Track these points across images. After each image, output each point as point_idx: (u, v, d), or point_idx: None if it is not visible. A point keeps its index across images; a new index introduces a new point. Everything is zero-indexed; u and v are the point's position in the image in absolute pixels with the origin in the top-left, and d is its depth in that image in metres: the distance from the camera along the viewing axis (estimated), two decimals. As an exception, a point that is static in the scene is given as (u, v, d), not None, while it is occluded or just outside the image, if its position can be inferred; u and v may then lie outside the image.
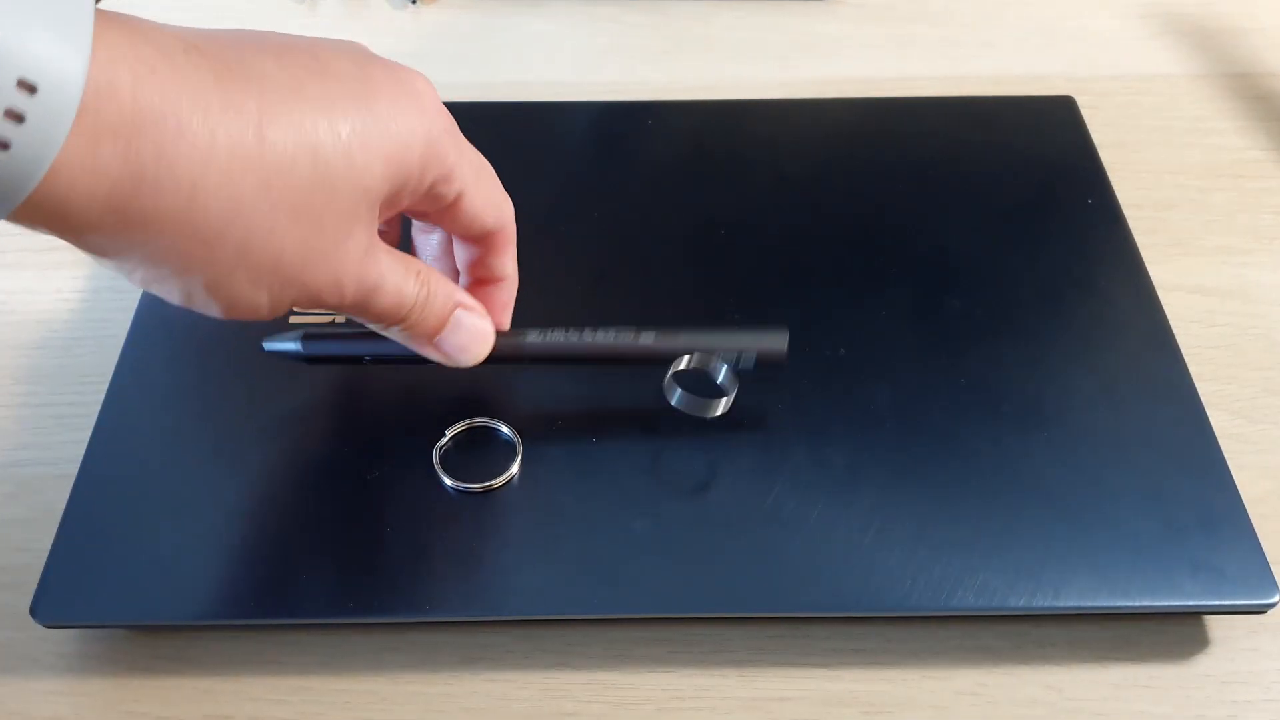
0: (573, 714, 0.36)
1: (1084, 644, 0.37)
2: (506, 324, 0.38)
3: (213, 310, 0.29)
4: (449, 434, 0.39)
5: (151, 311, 0.44)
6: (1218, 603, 0.35)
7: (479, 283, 0.38)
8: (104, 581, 0.36)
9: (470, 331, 0.35)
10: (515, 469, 0.38)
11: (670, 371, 0.36)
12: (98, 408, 0.40)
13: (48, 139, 0.23)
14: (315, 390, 0.41)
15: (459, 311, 0.34)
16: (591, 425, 0.40)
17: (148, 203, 0.25)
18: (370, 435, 0.40)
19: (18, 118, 0.23)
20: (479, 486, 0.38)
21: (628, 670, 0.36)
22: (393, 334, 0.34)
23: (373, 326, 0.34)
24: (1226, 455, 0.39)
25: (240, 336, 0.42)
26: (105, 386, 0.41)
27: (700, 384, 0.37)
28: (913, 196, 0.48)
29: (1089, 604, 0.35)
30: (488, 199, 0.34)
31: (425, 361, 0.36)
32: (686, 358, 0.36)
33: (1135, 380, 0.41)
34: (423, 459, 0.38)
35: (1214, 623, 0.37)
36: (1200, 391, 0.41)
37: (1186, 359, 0.42)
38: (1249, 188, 0.52)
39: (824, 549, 0.36)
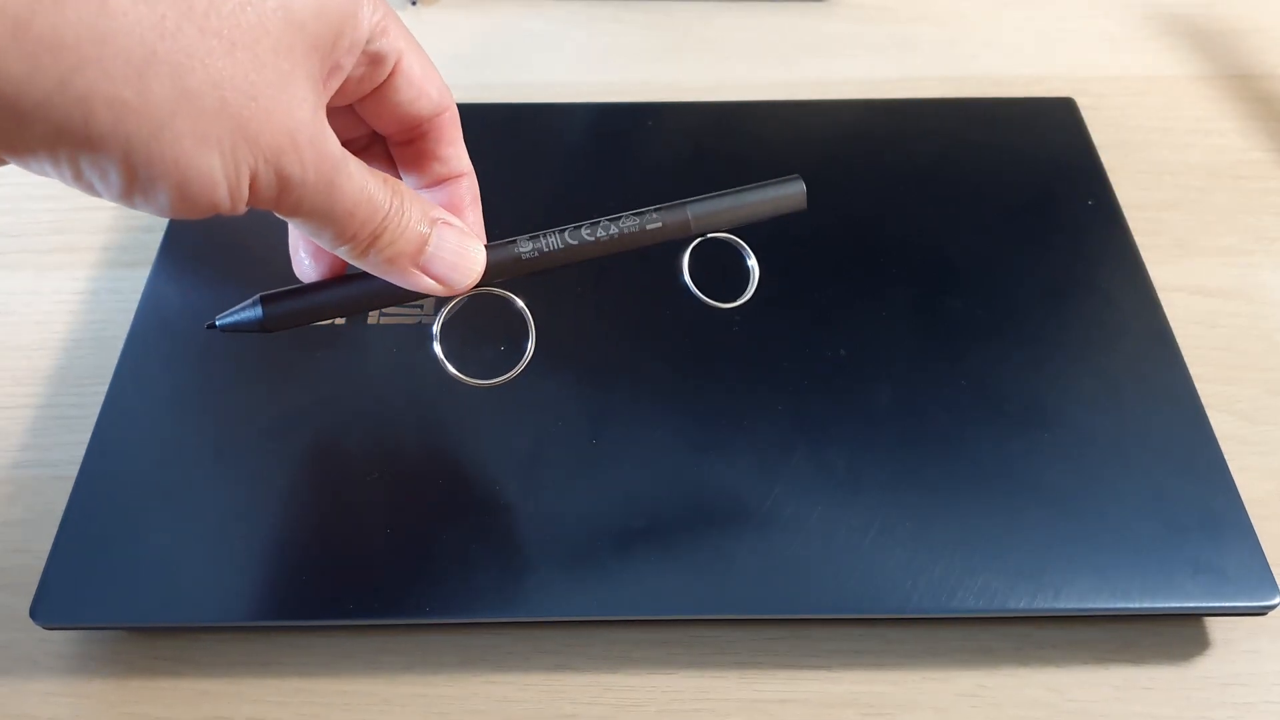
0: (573, 716, 0.36)
1: (1085, 645, 0.37)
2: (480, 223, 0.34)
3: (160, 193, 0.25)
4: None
5: (151, 313, 0.44)
6: (1218, 604, 0.35)
7: (435, 187, 0.34)
8: (103, 583, 0.36)
9: (458, 247, 0.31)
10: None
11: (686, 252, 0.33)
12: (97, 409, 0.40)
13: None
14: (314, 391, 0.41)
15: (440, 226, 0.31)
16: (592, 427, 0.40)
17: (49, 15, 0.22)
18: (369, 435, 0.40)
19: None
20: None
21: (628, 672, 0.36)
22: (369, 262, 0.30)
23: (344, 250, 0.30)
24: (1227, 456, 0.39)
25: (241, 335, 0.42)
26: (105, 388, 0.41)
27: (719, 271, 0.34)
28: (913, 197, 0.48)
29: (1090, 606, 0.35)
30: (427, 65, 0.31)
31: (410, 298, 0.32)
32: (701, 238, 0.33)
33: (1136, 381, 0.41)
34: (422, 460, 0.38)
35: (1215, 624, 0.37)
36: (1201, 393, 0.41)
37: (1187, 360, 0.42)
38: (1250, 189, 0.52)
39: (824, 550, 0.36)
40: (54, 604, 0.35)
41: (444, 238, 0.30)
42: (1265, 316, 0.46)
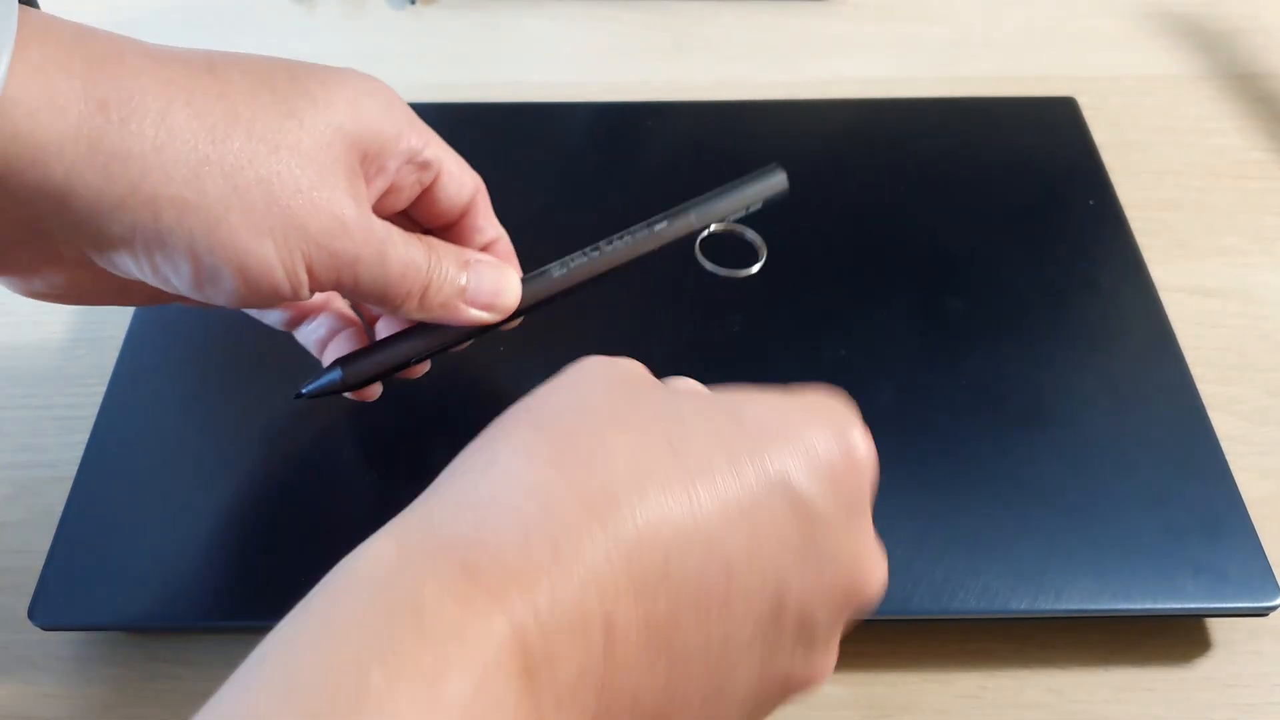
0: (573, 717, 0.35)
1: (1086, 647, 0.37)
2: (519, 272, 0.37)
3: (226, 280, 0.28)
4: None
5: (150, 313, 0.43)
6: (1219, 605, 0.35)
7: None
8: (102, 584, 0.36)
9: (495, 274, 0.34)
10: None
11: (697, 241, 0.37)
12: (96, 410, 0.40)
13: None
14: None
15: (474, 266, 0.34)
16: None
17: (116, 133, 0.26)
18: (368, 438, 0.40)
19: None
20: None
21: (628, 673, 0.36)
22: (424, 313, 0.33)
23: (399, 309, 0.33)
24: (1228, 457, 0.39)
25: (240, 336, 0.42)
26: (103, 388, 0.41)
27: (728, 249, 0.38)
28: (914, 197, 0.48)
29: (1091, 607, 0.35)
30: (461, 162, 0.35)
31: (469, 338, 0.35)
32: (706, 230, 0.37)
33: (1137, 382, 0.41)
34: (422, 459, 0.38)
35: (1216, 625, 0.37)
36: (1202, 393, 0.41)
37: (1188, 361, 0.42)
38: (1251, 188, 0.52)
39: (825, 551, 0.36)
40: (52, 605, 0.35)
41: (480, 274, 0.34)
42: (1265, 316, 0.46)
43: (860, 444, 0.25)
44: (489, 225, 0.37)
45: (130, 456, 0.39)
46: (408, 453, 0.39)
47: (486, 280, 0.34)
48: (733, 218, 0.37)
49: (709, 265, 0.37)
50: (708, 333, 0.43)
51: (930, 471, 0.38)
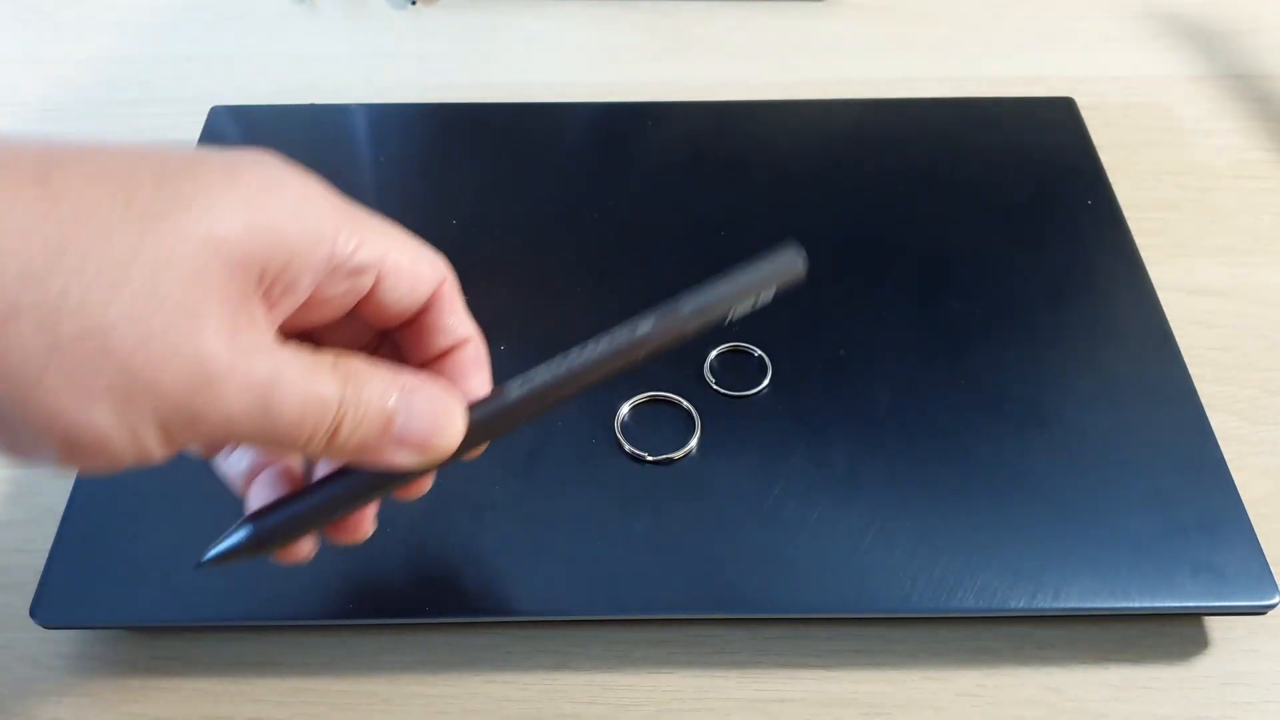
0: (573, 715, 0.36)
1: (1084, 645, 0.37)
2: (486, 386, 0.30)
3: (46, 451, 0.22)
4: None
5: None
6: (1218, 604, 0.35)
7: (439, 359, 0.30)
8: (103, 582, 0.36)
9: (430, 407, 0.27)
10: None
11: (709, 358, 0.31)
12: (97, 408, 0.40)
13: None
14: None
15: (408, 393, 0.27)
16: (593, 429, 0.40)
17: None
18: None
19: None
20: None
21: (628, 671, 0.36)
22: (336, 457, 0.26)
23: (302, 452, 0.26)
24: (1226, 456, 0.39)
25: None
26: (105, 387, 0.41)
27: None
28: (913, 197, 0.48)
29: (1089, 605, 0.35)
30: (413, 254, 0.28)
31: (396, 484, 0.28)
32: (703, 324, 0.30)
33: (1135, 381, 0.41)
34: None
35: (1214, 624, 0.37)
36: (1200, 393, 0.41)
37: (1186, 360, 0.42)
38: (1249, 189, 0.52)
39: (824, 549, 0.36)
40: (54, 603, 0.35)
41: (413, 406, 0.27)
42: (1265, 316, 0.46)
43: None
44: (456, 324, 0.30)
45: (131, 455, 0.39)
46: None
47: (420, 414, 0.27)
48: (738, 313, 0.30)
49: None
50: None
51: (929, 470, 0.38)
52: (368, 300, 0.27)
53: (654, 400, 0.40)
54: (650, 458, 0.39)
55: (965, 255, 0.46)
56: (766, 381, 0.41)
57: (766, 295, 0.30)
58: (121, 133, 0.55)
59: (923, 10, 0.62)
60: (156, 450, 0.23)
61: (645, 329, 0.29)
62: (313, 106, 0.53)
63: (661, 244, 0.46)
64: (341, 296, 0.27)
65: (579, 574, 0.36)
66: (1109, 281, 0.45)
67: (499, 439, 0.29)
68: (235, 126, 0.51)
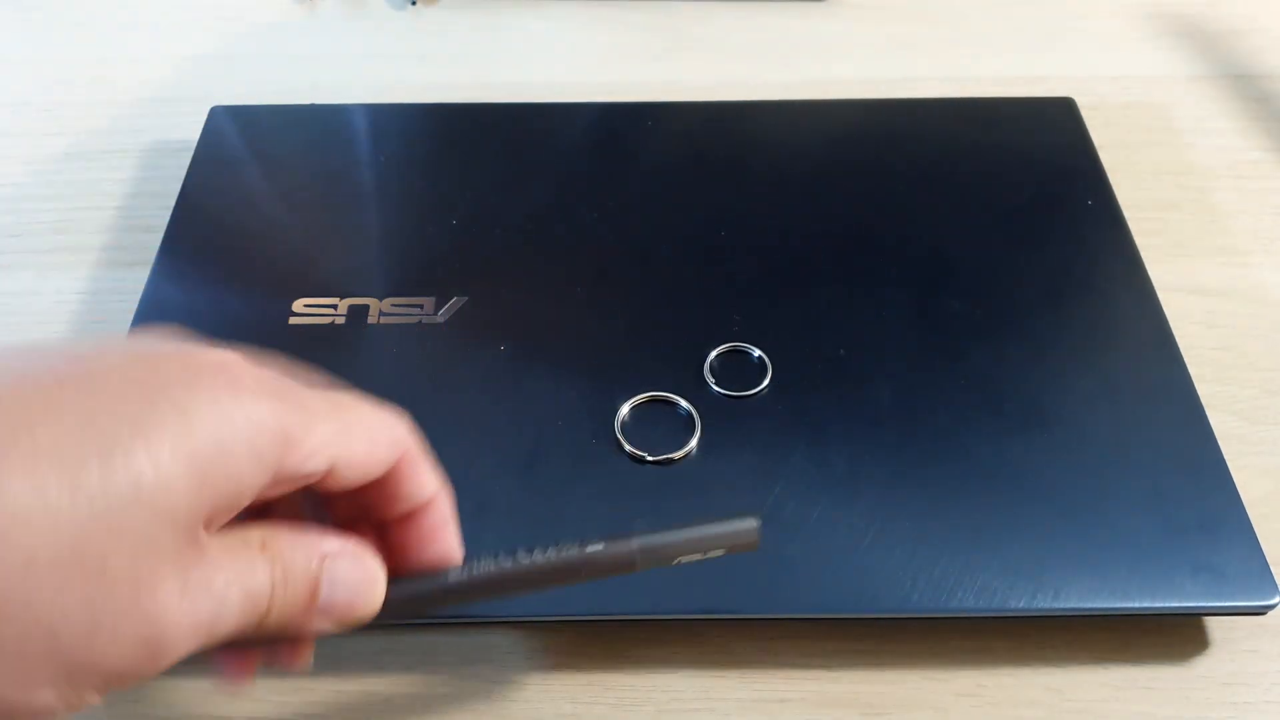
0: (573, 715, 0.36)
1: (1084, 645, 0.37)
2: (455, 549, 0.29)
3: None
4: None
5: (151, 313, 0.44)
6: (1218, 604, 0.35)
7: (402, 521, 0.29)
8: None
9: (350, 579, 0.26)
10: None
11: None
12: (97, 408, 0.40)
13: None
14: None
15: (329, 562, 0.26)
16: (594, 426, 0.40)
17: None
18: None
19: None
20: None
21: (628, 671, 0.36)
22: (259, 637, 0.25)
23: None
24: (1226, 456, 0.39)
25: (241, 337, 0.42)
26: (105, 387, 0.41)
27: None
28: (913, 197, 0.48)
29: (1089, 605, 0.35)
30: (370, 437, 0.26)
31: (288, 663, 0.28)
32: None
33: (1135, 381, 0.41)
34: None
35: (1214, 624, 0.37)
36: (1200, 392, 0.41)
37: (1186, 360, 0.42)
38: (1249, 189, 0.52)
39: (824, 550, 0.36)
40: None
41: (335, 574, 0.26)
42: (1265, 316, 0.46)
43: None
44: (416, 490, 0.28)
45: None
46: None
47: (343, 581, 0.26)
48: (685, 561, 0.30)
49: None
50: (708, 330, 0.43)
51: (929, 470, 0.38)
52: (320, 482, 0.26)
53: (654, 400, 0.40)
54: (650, 458, 0.39)
55: (965, 255, 0.46)
56: (766, 381, 0.41)
57: (716, 553, 0.30)
58: (121, 133, 0.55)
59: (923, 10, 0.62)
60: (99, 700, 0.23)
61: (593, 550, 0.29)
62: (313, 106, 0.53)
63: (661, 244, 0.46)
64: (291, 491, 0.26)
65: (579, 574, 0.36)
66: (1109, 281, 0.45)
67: (434, 610, 0.29)
68: (235, 126, 0.51)
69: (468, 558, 0.29)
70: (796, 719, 0.36)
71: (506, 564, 0.29)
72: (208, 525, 0.23)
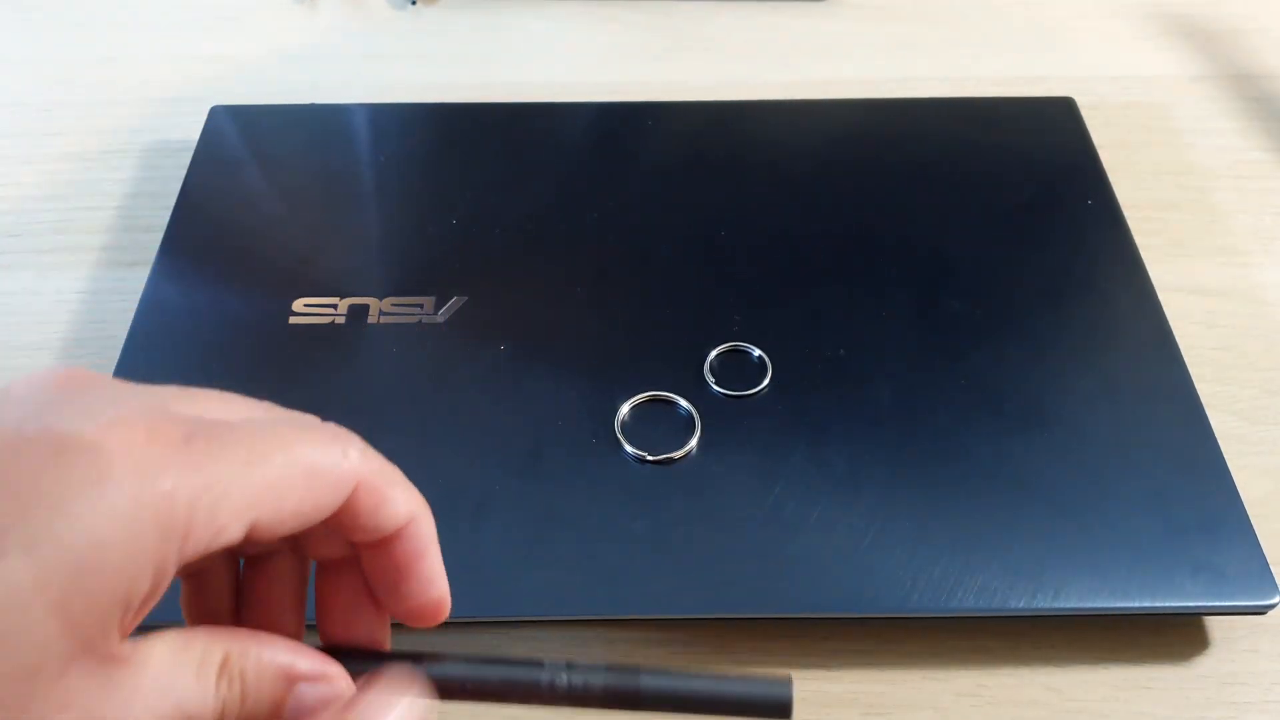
0: (572, 714, 0.35)
1: (1084, 645, 0.37)
2: (434, 581, 0.27)
3: None
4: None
5: (151, 313, 0.44)
6: (1218, 604, 0.35)
7: (375, 547, 0.26)
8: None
9: (318, 706, 0.23)
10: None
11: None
12: (98, 408, 0.40)
13: None
14: (313, 392, 0.41)
15: (297, 687, 0.23)
16: (594, 426, 0.40)
17: None
18: (369, 434, 0.40)
19: None
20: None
21: (628, 671, 0.36)
22: None
23: None
24: (1226, 456, 0.39)
25: (240, 338, 0.42)
26: (105, 387, 0.41)
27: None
28: (913, 197, 0.48)
29: (1089, 605, 0.35)
30: (304, 482, 0.23)
31: None
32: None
33: (1135, 381, 0.41)
34: (422, 459, 0.38)
35: (1214, 624, 0.37)
36: (1200, 392, 0.41)
37: (1186, 360, 0.42)
38: (1249, 188, 0.52)
39: (824, 550, 0.36)
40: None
41: (304, 699, 0.23)
42: (1265, 316, 0.46)
43: None
44: (394, 513, 0.25)
45: (132, 455, 0.39)
46: (409, 451, 0.39)
47: (311, 712, 0.23)
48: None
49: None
50: (708, 330, 0.43)
51: (929, 470, 0.38)
52: (246, 542, 0.23)
53: (654, 400, 0.40)
54: (650, 458, 0.39)
55: (965, 255, 0.46)
56: (766, 381, 0.41)
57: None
58: (121, 132, 0.55)
59: (923, 10, 0.62)
60: None
61: (596, 678, 0.26)
62: (313, 106, 0.53)
63: (661, 244, 0.46)
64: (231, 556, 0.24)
65: (579, 574, 0.36)
66: (1109, 281, 0.45)
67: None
68: (235, 126, 0.51)
69: (497, 662, 0.26)
70: (796, 719, 0.35)
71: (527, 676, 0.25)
72: (123, 623, 0.21)
